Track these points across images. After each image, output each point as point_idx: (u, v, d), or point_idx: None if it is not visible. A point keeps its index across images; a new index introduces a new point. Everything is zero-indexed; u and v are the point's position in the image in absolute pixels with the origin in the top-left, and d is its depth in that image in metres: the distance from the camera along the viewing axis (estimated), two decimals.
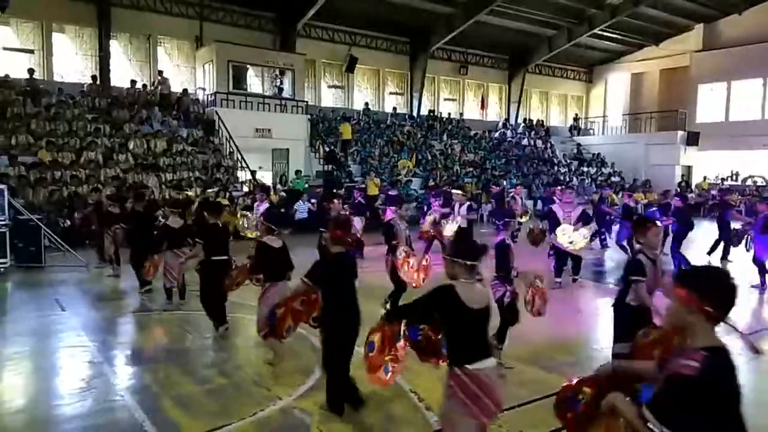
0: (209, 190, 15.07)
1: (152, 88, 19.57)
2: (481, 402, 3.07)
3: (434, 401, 4.62)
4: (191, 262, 7.16)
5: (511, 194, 15.61)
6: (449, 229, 10.47)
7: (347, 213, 9.05)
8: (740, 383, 2.06)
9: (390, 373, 3.43)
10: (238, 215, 11.79)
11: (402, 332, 3.43)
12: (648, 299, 4.54)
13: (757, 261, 9.55)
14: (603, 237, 13.87)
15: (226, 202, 14.54)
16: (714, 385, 2.02)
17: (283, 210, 14.89)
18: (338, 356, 4.29)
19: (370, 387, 4.78)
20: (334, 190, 16.25)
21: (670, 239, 11.24)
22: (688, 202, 13.06)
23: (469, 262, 3.20)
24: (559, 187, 13.72)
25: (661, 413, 2.06)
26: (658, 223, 5.14)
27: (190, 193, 14.40)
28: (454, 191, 12.45)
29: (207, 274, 6.48)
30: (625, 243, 12.05)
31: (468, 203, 11.32)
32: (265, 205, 12.42)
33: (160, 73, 20.06)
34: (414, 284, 7.06)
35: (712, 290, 2.14)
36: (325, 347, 4.39)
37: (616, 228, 13.53)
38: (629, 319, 4.52)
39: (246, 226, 10.82)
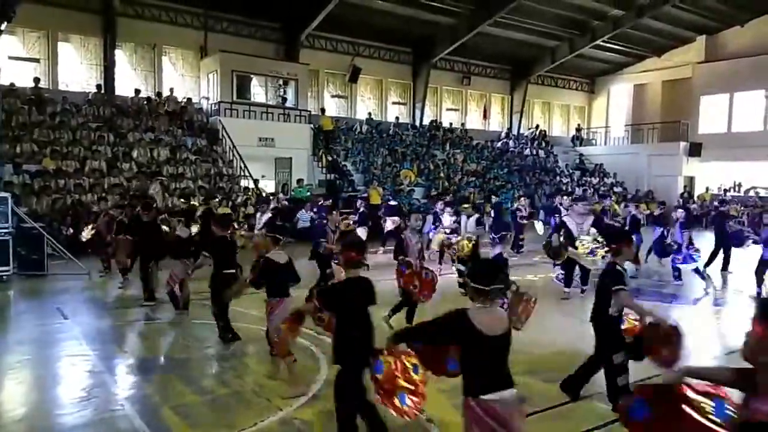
0: (213, 201, 15.07)
1: (162, 103, 19.66)
2: None
3: (435, 411, 4.58)
4: (198, 272, 7.18)
5: (516, 206, 15.41)
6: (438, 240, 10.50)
7: (348, 224, 9.07)
8: None
9: (408, 406, 3.23)
10: (237, 234, 11.68)
11: (413, 364, 3.25)
12: (638, 306, 4.55)
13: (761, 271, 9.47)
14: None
15: (227, 210, 14.56)
16: None
17: (284, 219, 14.88)
18: (348, 392, 3.81)
19: (374, 398, 4.78)
20: (332, 201, 16.21)
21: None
22: (693, 214, 12.77)
23: (487, 288, 2.97)
24: (564, 197, 13.42)
25: None
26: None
27: (194, 203, 14.40)
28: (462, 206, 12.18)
29: (219, 287, 6.44)
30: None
31: (476, 216, 11.07)
32: (267, 215, 12.42)
33: (171, 90, 20.20)
34: (422, 299, 7.03)
35: None
36: (336, 380, 3.89)
37: None
38: (617, 330, 4.51)
39: (244, 246, 10.69)
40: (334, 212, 9.52)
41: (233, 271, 6.59)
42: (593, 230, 9.11)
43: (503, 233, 5.99)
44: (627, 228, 12.04)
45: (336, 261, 8.62)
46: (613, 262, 4.68)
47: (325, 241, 8.74)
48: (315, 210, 16.86)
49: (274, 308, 5.38)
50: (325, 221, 9.85)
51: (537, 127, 30.57)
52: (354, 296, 3.86)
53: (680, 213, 11.33)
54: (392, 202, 16.55)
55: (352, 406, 3.79)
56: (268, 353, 5.96)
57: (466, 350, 2.99)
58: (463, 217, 10.79)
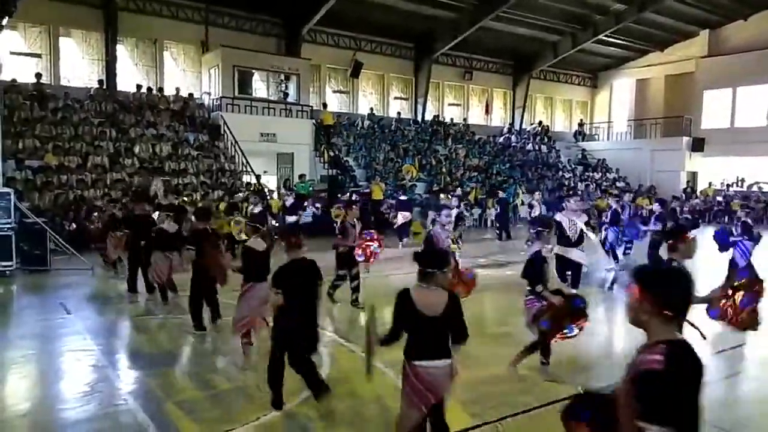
0: (237, 195, 15.30)
1: (169, 101, 19.65)
2: (421, 394, 3.39)
3: None
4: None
5: (529, 201, 15.18)
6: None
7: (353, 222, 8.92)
8: (702, 373, 2.07)
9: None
10: (232, 222, 11.78)
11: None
12: (552, 298, 5.26)
13: None
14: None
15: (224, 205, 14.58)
16: (679, 376, 2.05)
17: (288, 215, 14.89)
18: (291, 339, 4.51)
19: (376, 393, 4.79)
20: (353, 197, 16.29)
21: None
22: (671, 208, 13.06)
23: (427, 270, 3.46)
24: (571, 199, 13.08)
25: (645, 412, 2.05)
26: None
27: (186, 199, 14.53)
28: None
29: (195, 277, 6.84)
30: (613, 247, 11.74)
31: (457, 210, 10.74)
32: (259, 209, 12.38)
33: (177, 90, 20.16)
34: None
35: (671, 294, 2.15)
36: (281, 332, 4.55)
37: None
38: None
39: (240, 230, 10.86)
40: (354, 207, 9.14)
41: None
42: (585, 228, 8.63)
43: (540, 229, 5.78)
44: (607, 223, 11.91)
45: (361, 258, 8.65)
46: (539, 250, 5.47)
47: (343, 239, 8.21)
48: (317, 206, 16.95)
49: (245, 292, 5.63)
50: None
51: (540, 123, 30.51)
52: (297, 274, 4.47)
53: (656, 207, 11.66)
54: (403, 197, 16.54)
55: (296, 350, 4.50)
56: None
57: (404, 322, 3.47)
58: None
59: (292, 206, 15.16)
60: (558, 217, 8.86)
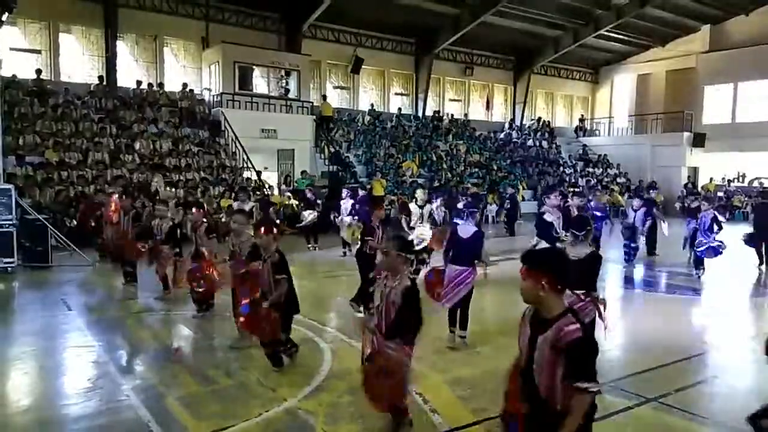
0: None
1: (179, 99, 19.64)
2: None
3: (440, 404, 4.63)
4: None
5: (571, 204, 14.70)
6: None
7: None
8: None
9: None
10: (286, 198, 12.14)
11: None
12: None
13: None
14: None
15: (229, 202, 14.59)
16: (593, 336, 2.65)
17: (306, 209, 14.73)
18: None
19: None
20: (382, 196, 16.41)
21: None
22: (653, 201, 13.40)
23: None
24: (574, 197, 12.59)
25: (580, 374, 2.46)
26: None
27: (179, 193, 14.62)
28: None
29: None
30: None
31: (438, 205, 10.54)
32: (249, 205, 12.24)
33: (185, 85, 20.09)
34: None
35: (560, 270, 2.60)
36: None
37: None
38: None
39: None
40: (381, 207, 8.52)
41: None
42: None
43: (589, 228, 5.31)
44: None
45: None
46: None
47: (371, 239, 7.70)
48: (319, 202, 16.85)
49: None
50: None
51: (539, 119, 30.44)
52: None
53: (636, 202, 11.97)
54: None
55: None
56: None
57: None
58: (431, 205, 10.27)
59: (309, 201, 14.86)
60: (546, 216, 8.51)
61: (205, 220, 7.77)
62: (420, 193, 10.22)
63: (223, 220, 11.82)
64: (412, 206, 9.82)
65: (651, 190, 17.24)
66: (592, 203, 11.76)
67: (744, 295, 10.02)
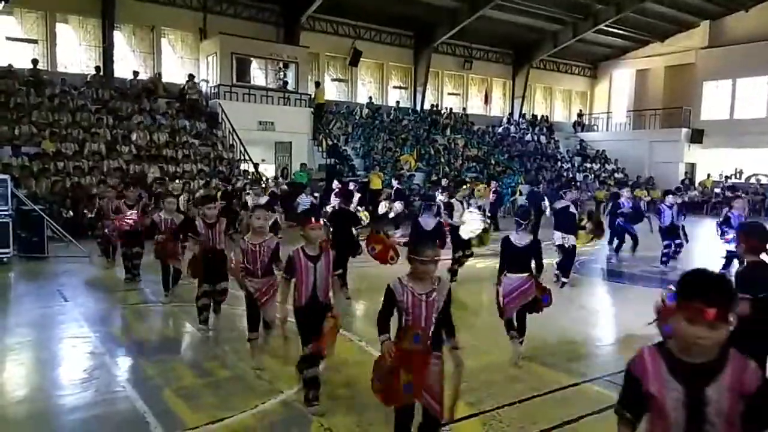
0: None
1: (183, 90, 19.54)
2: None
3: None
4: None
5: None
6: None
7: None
8: None
9: None
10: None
11: None
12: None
13: None
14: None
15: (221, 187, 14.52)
16: None
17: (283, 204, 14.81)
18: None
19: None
20: (351, 186, 16.23)
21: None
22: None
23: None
24: (574, 190, 12.66)
25: None
26: None
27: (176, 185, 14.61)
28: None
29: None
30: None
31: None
32: (265, 199, 12.27)
33: (191, 77, 19.93)
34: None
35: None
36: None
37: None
38: None
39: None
40: (398, 203, 8.53)
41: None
42: None
43: (529, 219, 5.60)
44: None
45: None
46: None
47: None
48: (316, 195, 16.84)
49: None
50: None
51: (534, 116, 30.39)
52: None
53: (671, 198, 11.83)
54: (399, 186, 16.51)
55: None
56: (268, 336, 5.88)
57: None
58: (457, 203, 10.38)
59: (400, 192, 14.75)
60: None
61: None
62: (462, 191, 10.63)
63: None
64: (455, 202, 9.80)
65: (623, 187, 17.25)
66: (623, 201, 12.21)
67: None
